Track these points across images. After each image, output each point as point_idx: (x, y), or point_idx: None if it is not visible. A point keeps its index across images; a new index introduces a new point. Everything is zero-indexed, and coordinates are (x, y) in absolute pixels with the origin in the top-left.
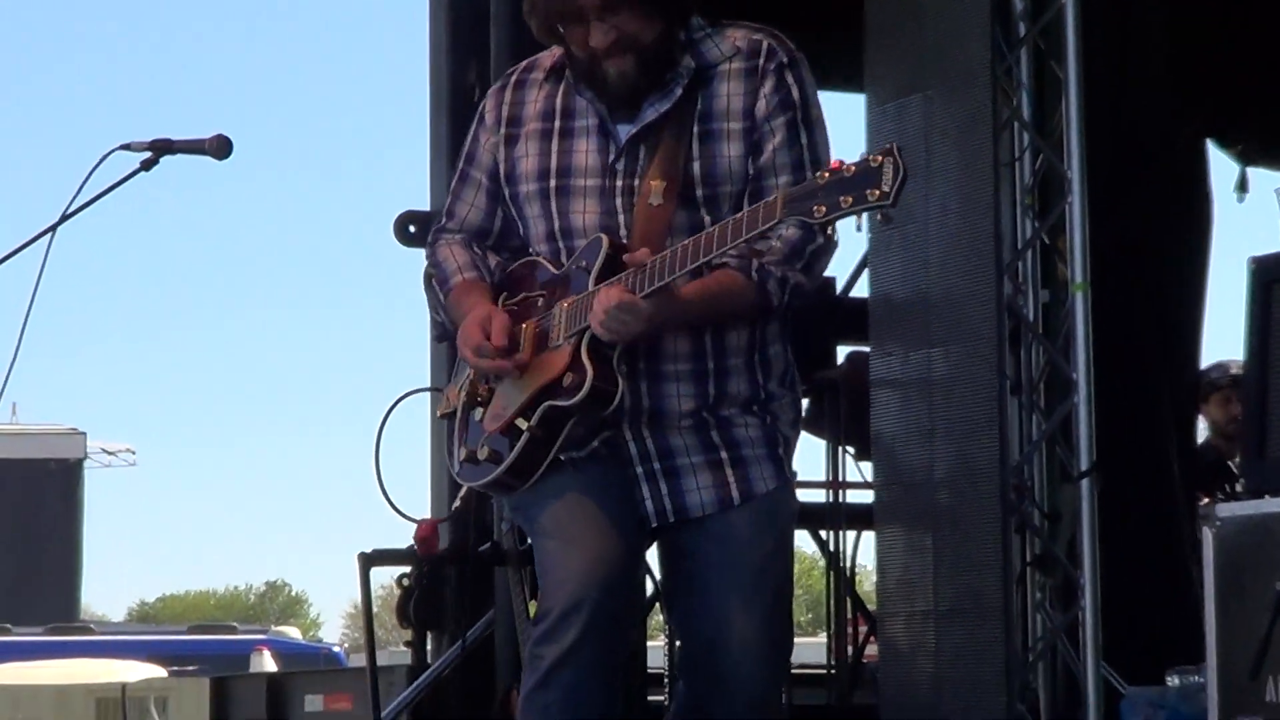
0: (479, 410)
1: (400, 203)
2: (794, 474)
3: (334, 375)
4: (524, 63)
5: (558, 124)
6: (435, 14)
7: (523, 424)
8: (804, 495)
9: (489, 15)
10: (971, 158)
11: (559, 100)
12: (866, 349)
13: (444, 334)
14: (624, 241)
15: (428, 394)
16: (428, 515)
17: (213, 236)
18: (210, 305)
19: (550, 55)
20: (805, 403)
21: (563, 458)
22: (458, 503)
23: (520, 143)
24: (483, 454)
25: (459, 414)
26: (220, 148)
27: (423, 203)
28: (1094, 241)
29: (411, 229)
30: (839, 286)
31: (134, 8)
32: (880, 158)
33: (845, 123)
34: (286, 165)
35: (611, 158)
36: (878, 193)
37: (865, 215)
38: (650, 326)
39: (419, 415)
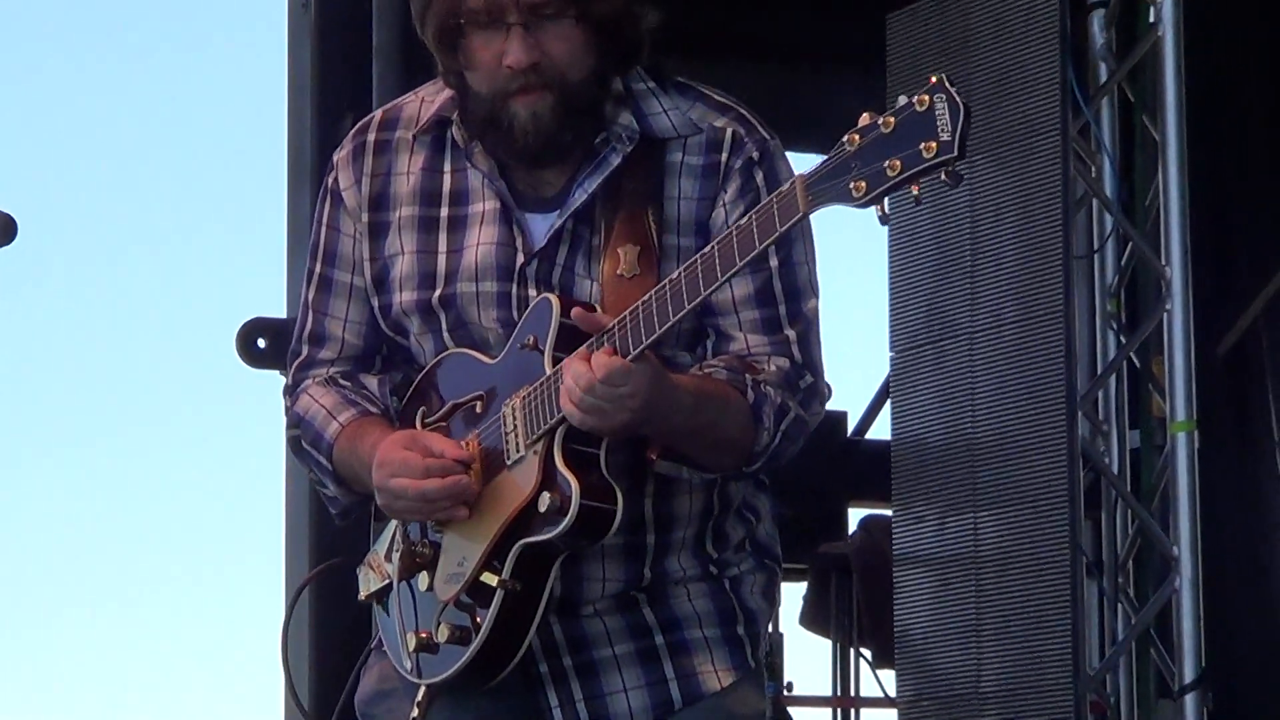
0: (423, 577)
1: (246, 308)
2: (762, 663)
3: (147, 554)
4: (378, 114)
5: (444, 211)
6: (295, 48)
7: (491, 579)
8: (802, 716)
9: (370, 48)
10: (1033, 248)
11: (445, 175)
12: (887, 512)
13: (345, 509)
14: (585, 302)
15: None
16: None
17: None
18: None
19: (415, 101)
20: (804, 587)
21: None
22: (414, 712)
23: (391, 235)
24: (442, 635)
25: (395, 590)
26: (0, 230)
27: (277, 307)
28: (1202, 363)
29: (261, 343)
30: (850, 425)
31: None
32: (926, 98)
33: None
34: (89, 256)
35: (520, 260)
36: (934, 145)
37: (905, 192)
38: (646, 408)
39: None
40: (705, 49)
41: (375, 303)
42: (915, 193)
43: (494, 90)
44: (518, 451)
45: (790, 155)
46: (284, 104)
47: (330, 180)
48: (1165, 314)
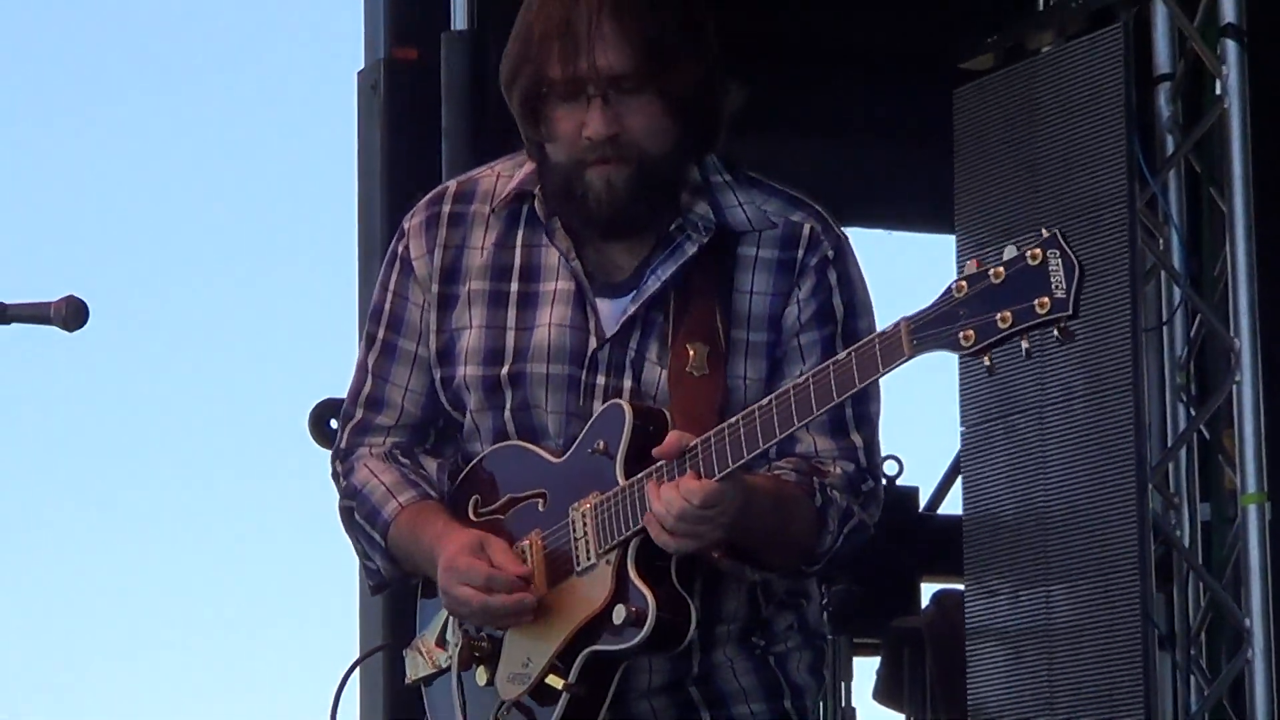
0: (480, 671)
1: (317, 389)
2: None
3: (227, 631)
4: (452, 185)
5: (515, 287)
6: (365, 130)
7: (557, 682)
8: None
9: (439, 130)
10: (1102, 321)
11: (517, 251)
12: (960, 586)
13: (383, 583)
14: (656, 406)
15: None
16: None
17: (53, 441)
18: (39, 536)
19: (490, 175)
20: (878, 662)
21: None
22: None
23: (459, 307)
24: None
25: (455, 678)
26: (71, 315)
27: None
28: (1272, 435)
29: (334, 424)
30: (923, 500)
31: None
32: (1039, 251)
33: (928, 274)
34: (160, 339)
35: (593, 345)
36: (1048, 301)
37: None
38: (734, 523)
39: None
40: (772, 124)
41: (437, 374)
42: (1025, 346)
43: (571, 158)
44: (588, 559)
45: (857, 230)
46: (354, 185)
47: (400, 247)
48: (1235, 386)
